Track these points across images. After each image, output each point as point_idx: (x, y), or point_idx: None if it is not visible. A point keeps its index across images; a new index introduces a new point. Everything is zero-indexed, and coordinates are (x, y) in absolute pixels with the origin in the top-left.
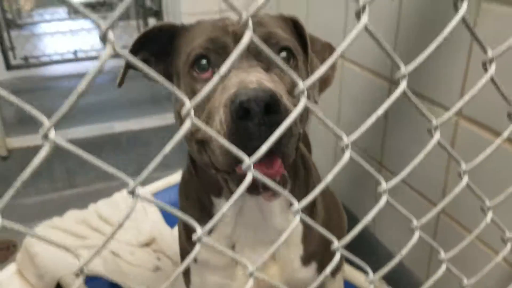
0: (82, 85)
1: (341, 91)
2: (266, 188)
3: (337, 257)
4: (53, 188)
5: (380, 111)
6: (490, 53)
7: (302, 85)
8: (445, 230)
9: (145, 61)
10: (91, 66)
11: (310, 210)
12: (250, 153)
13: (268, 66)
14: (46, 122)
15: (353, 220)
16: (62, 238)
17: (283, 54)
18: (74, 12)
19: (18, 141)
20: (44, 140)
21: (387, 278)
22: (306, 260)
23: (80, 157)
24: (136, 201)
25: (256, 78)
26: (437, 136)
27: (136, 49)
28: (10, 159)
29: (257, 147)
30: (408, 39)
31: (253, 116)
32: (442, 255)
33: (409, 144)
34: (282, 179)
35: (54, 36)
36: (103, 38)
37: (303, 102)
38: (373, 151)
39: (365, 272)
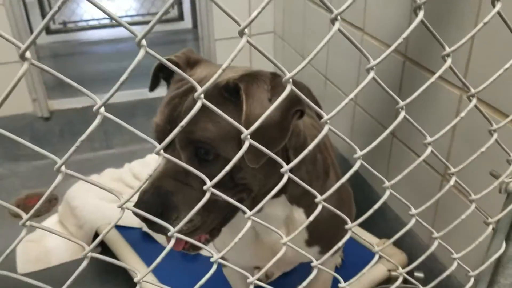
0: (124, 76)
1: (361, 63)
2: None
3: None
4: (92, 148)
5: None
6: None
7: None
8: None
9: (166, 78)
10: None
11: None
12: None
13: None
14: (98, 101)
15: (365, 186)
16: (98, 192)
17: (202, 150)
18: None
19: (59, 104)
20: (97, 113)
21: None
22: (309, 243)
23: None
24: (161, 160)
25: (158, 183)
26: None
27: (156, 71)
28: (52, 120)
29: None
30: None
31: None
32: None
33: (421, 116)
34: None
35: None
36: (138, 45)
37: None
38: (386, 121)
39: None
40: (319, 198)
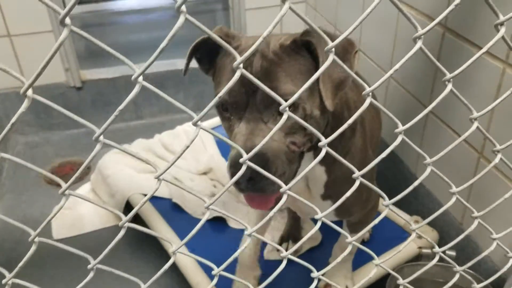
0: (164, 43)
1: (396, 35)
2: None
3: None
4: (122, 118)
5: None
6: None
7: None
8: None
9: (199, 59)
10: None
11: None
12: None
13: (270, 117)
14: (137, 70)
15: (397, 161)
16: (128, 162)
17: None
18: None
19: (90, 74)
20: (136, 82)
21: (424, 217)
22: (324, 198)
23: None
24: (199, 131)
25: (250, 144)
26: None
27: (192, 52)
28: (84, 90)
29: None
30: None
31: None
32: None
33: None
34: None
35: None
36: (178, 11)
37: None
38: (423, 96)
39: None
40: (357, 173)
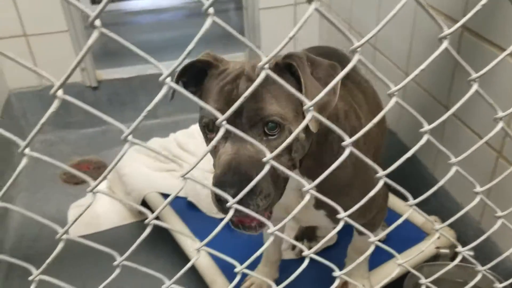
0: (191, 45)
1: (413, 33)
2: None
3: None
4: (138, 117)
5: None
6: None
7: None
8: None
9: (185, 83)
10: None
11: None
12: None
13: (255, 137)
14: (164, 70)
15: (415, 161)
16: (144, 160)
17: (270, 125)
18: None
19: (106, 73)
20: (162, 84)
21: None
22: (317, 207)
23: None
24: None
25: (235, 164)
26: None
27: (180, 74)
28: (100, 90)
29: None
30: None
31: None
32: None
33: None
34: (259, 224)
35: None
36: (205, 13)
37: (266, 168)
38: (440, 94)
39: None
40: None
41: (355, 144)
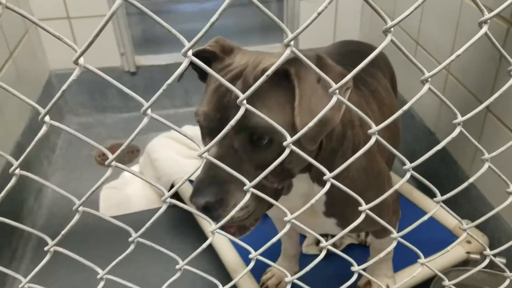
0: (214, 17)
1: (458, 29)
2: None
3: (360, 218)
4: (172, 105)
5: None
6: None
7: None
8: None
9: (196, 68)
10: None
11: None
12: None
13: (240, 145)
14: (187, 43)
15: (450, 160)
16: (175, 147)
17: (255, 136)
18: None
19: (145, 59)
20: (184, 57)
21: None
22: (327, 215)
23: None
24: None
25: (213, 173)
26: None
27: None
28: (137, 75)
29: None
30: None
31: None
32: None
33: None
34: (240, 229)
35: None
36: None
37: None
38: (483, 95)
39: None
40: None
41: (368, 152)
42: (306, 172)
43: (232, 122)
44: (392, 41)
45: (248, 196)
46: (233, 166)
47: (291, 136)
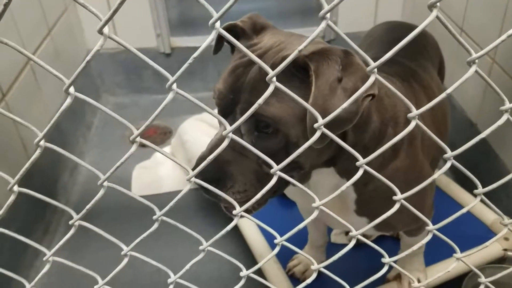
0: None
1: (505, 16)
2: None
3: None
4: (205, 87)
5: None
6: None
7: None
8: None
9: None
10: None
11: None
12: None
13: (247, 130)
14: (215, 14)
15: (492, 155)
16: (206, 129)
17: (262, 123)
18: None
19: (180, 41)
20: (212, 29)
21: None
22: (358, 214)
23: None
24: None
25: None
26: None
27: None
28: (172, 57)
29: None
30: None
31: None
32: None
33: None
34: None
35: None
36: None
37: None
38: None
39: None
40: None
41: (413, 148)
42: (331, 167)
43: (252, 109)
44: (437, 17)
45: (275, 179)
46: (237, 150)
47: (297, 130)
